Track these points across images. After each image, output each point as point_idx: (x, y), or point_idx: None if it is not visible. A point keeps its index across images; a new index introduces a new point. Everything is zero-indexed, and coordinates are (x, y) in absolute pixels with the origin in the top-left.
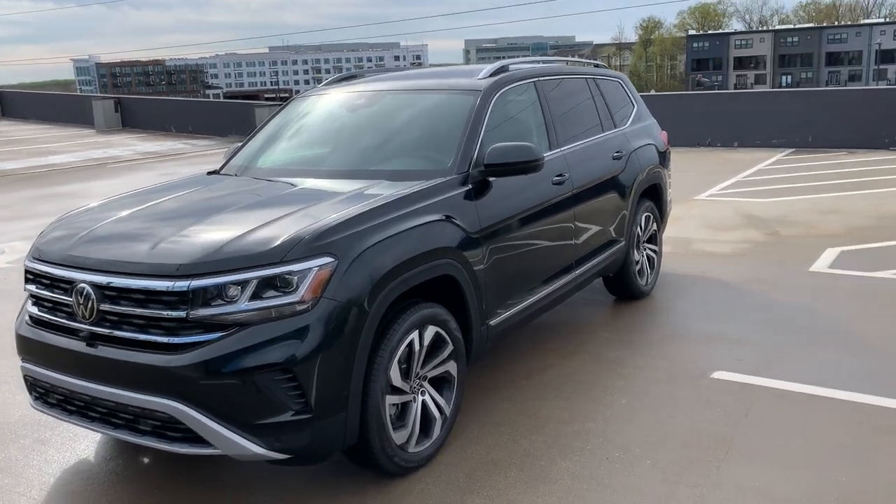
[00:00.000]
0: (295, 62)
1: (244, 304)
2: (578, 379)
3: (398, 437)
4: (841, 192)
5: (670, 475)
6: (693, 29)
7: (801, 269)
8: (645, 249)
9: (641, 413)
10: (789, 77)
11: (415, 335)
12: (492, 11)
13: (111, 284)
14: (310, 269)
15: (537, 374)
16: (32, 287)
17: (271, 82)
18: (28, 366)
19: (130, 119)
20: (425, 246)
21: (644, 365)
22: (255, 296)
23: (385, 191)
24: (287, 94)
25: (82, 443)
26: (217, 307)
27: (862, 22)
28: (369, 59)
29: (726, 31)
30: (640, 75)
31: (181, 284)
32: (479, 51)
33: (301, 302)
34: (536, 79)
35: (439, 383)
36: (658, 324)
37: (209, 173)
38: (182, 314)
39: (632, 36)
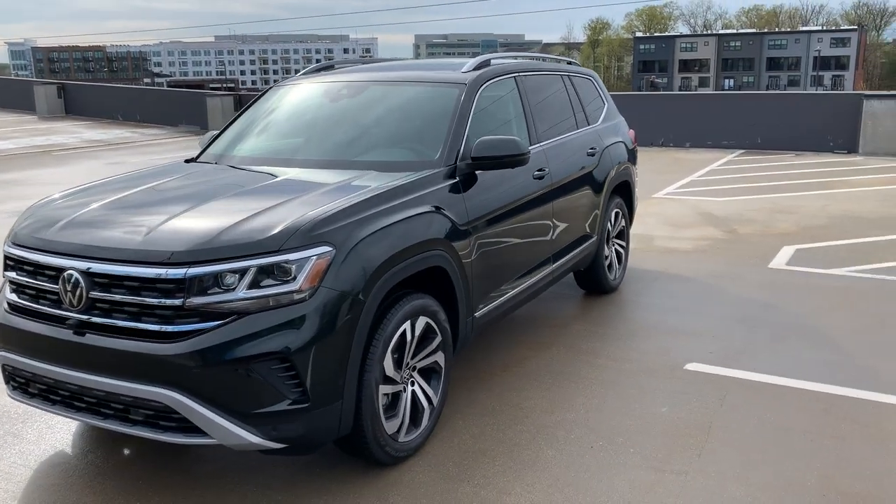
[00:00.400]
0: (242, 52)
1: (242, 293)
2: (555, 370)
3: (389, 426)
4: (792, 193)
5: (655, 462)
6: (640, 31)
7: (760, 265)
8: (614, 245)
9: (620, 403)
10: (732, 80)
11: (407, 325)
12: (442, 7)
13: (103, 272)
14: (308, 257)
15: (514, 365)
16: (12, 274)
17: (217, 72)
18: (6, 354)
19: (74, 106)
20: (418, 237)
21: (618, 357)
22: (253, 284)
23: (374, 182)
24: (233, 85)
25: (57, 435)
26: (214, 295)
27: (801, 29)
28: (318, 52)
29: (672, 34)
30: None
31: (178, 272)
32: (430, 46)
33: (299, 291)
34: (517, 74)
35: (427, 374)
36: (627, 317)
37: (187, 161)
38: (178, 302)
39: (580, 36)
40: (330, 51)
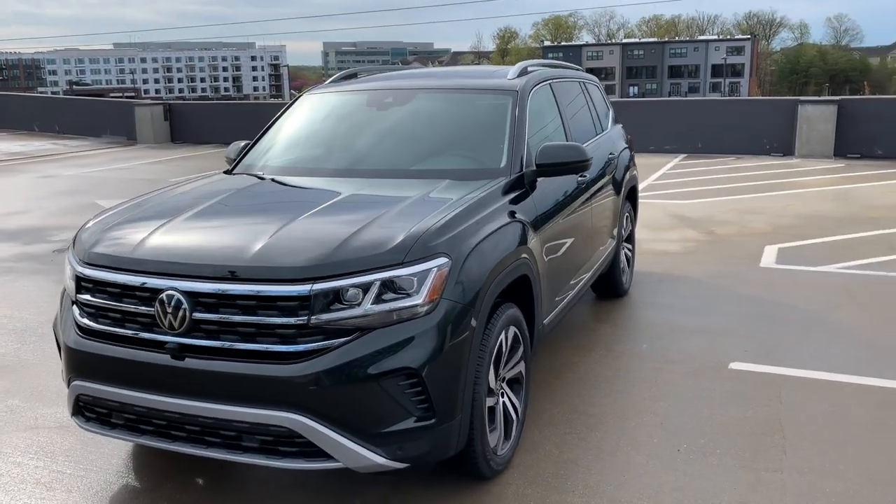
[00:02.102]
0: (144, 60)
1: (367, 307)
2: (606, 374)
3: (491, 439)
4: (751, 194)
5: (745, 462)
6: (547, 40)
7: (751, 265)
8: (623, 248)
9: (685, 404)
10: (636, 88)
11: (503, 336)
12: (350, 16)
13: (210, 291)
14: (429, 269)
15: (565, 371)
16: (86, 296)
17: (118, 80)
18: (83, 383)
19: None
20: (511, 246)
21: (662, 358)
22: (377, 298)
23: (454, 192)
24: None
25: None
26: (339, 311)
27: (699, 38)
28: (224, 59)
29: (579, 43)
30: None
31: (302, 288)
32: (339, 54)
33: (422, 304)
34: (552, 80)
35: (511, 384)
36: (651, 319)
37: (226, 172)
38: (303, 320)
39: (490, 45)
40: (236, 58)
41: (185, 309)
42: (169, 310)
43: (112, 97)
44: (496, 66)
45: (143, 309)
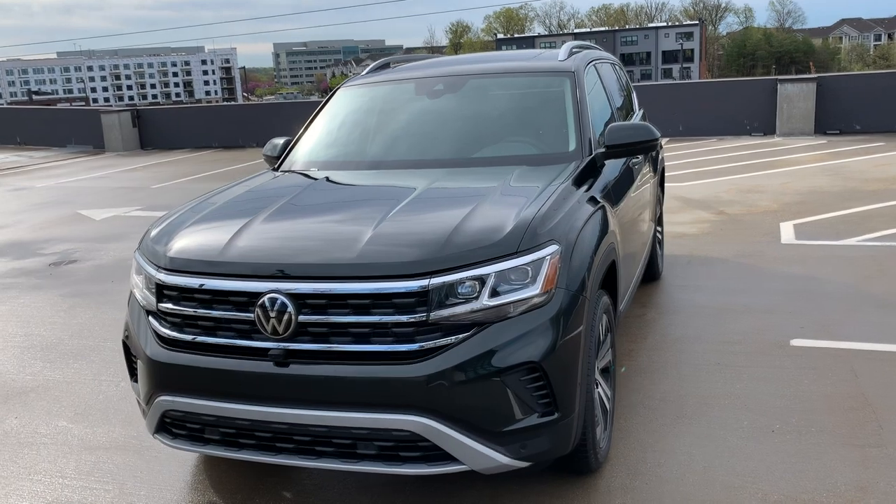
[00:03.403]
0: (91, 68)
1: (485, 301)
2: (669, 359)
3: (597, 431)
4: (746, 174)
5: (846, 439)
6: (500, 33)
7: (773, 242)
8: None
9: (761, 384)
10: None
11: (600, 324)
12: (299, 16)
13: (319, 292)
14: (544, 258)
15: (626, 359)
16: (171, 305)
17: (65, 90)
18: (170, 398)
19: None
20: (603, 231)
21: (720, 340)
22: (493, 291)
23: (538, 179)
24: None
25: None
26: (457, 306)
27: (648, 25)
28: (174, 64)
29: (532, 34)
30: None
31: (420, 283)
32: (290, 54)
33: (539, 294)
34: (595, 61)
35: (603, 374)
36: (694, 301)
37: (276, 169)
38: (421, 317)
39: (443, 40)
40: (186, 63)
41: (290, 312)
42: (272, 314)
43: (60, 107)
44: (536, 49)
45: (239, 315)
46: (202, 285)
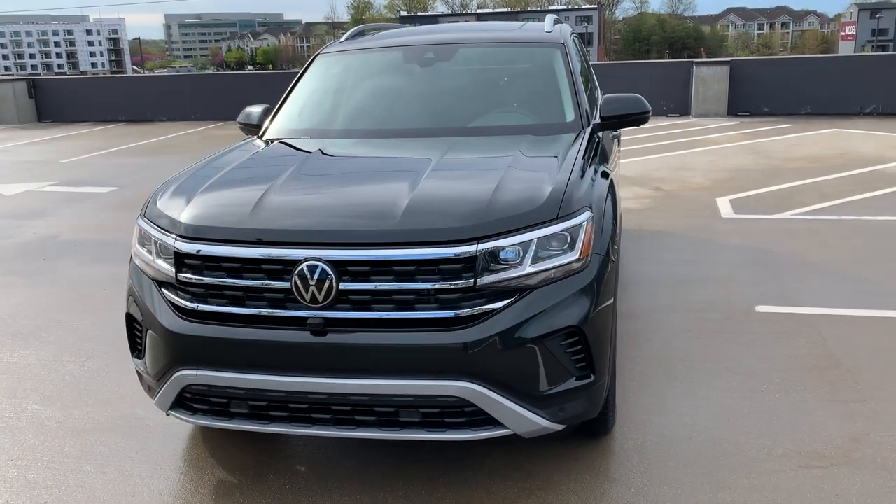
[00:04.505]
0: None
1: (529, 267)
2: (640, 328)
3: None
4: (673, 152)
5: (828, 396)
6: (403, 10)
7: (713, 216)
8: None
9: (738, 348)
10: None
11: None
12: None
13: (366, 258)
14: (581, 224)
15: None
16: (192, 275)
17: None
18: (193, 372)
19: None
20: (616, 199)
21: (687, 308)
22: (535, 257)
23: (550, 148)
24: None
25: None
26: (502, 272)
27: (549, 8)
28: (55, 34)
29: (435, 13)
30: None
31: (468, 249)
32: (182, 26)
33: (577, 259)
34: (573, 34)
35: None
36: (651, 273)
37: (260, 138)
38: (468, 283)
39: (344, 15)
40: (69, 32)
41: (331, 280)
42: (312, 282)
43: None
44: (517, 21)
45: (273, 284)
46: (229, 253)
